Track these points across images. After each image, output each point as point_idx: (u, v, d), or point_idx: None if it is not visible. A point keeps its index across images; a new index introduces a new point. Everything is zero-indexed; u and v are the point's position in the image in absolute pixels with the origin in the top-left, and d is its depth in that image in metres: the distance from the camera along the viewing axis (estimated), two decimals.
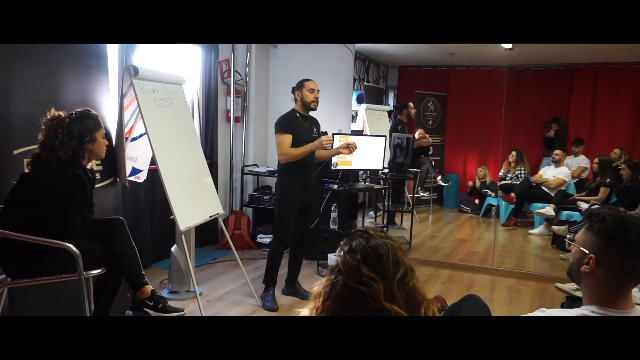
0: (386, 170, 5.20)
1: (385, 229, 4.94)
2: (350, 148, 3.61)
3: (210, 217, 3.48)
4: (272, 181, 5.48)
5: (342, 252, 1.24)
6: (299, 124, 3.47)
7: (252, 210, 5.39)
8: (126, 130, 3.25)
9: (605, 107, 7.14)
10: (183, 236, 3.15)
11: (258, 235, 5.20)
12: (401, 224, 5.96)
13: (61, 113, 2.45)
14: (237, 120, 5.37)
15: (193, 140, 3.67)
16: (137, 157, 3.44)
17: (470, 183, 7.39)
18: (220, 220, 3.71)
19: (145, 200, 4.25)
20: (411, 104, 5.98)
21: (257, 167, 5.49)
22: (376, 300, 1.15)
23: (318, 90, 3.50)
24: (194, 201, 3.38)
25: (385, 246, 1.22)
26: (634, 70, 6.89)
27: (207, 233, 4.92)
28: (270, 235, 5.15)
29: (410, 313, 1.22)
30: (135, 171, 3.45)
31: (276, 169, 5.17)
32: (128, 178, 3.33)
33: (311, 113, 3.59)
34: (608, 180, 5.53)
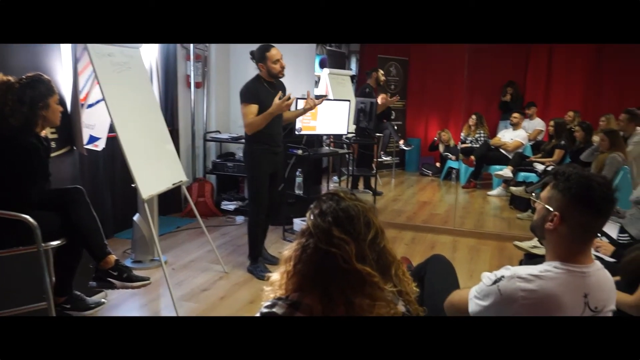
0: (350, 135, 5.20)
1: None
2: (311, 103, 3.49)
3: (173, 184, 3.41)
4: (235, 147, 5.40)
5: (312, 215, 1.24)
6: (264, 92, 3.33)
7: (215, 178, 5.32)
8: (82, 96, 3.11)
9: (560, 71, 7.34)
10: (146, 205, 3.08)
11: (222, 202, 5.15)
12: (375, 188, 6.00)
13: (10, 78, 2.32)
14: (197, 85, 5.23)
15: (153, 106, 3.55)
16: (94, 125, 3.30)
17: (437, 140, 7.48)
18: (184, 187, 3.64)
19: (105, 169, 4.12)
20: (381, 71, 6.03)
21: (220, 133, 5.39)
22: (348, 262, 1.16)
23: (282, 56, 3.39)
24: (155, 169, 3.29)
25: (356, 208, 1.22)
26: None
27: (170, 201, 4.83)
28: (235, 202, 5.12)
29: (381, 274, 1.23)
30: (92, 139, 3.32)
31: (239, 135, 5.12)
32: (85, 146, 3.21)
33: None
34: (563, 142, 5.71)
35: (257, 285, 3.32)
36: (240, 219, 4.86)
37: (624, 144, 4.68)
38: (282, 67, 3.33)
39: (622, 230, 3.05)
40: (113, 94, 3.01)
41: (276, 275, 1.32)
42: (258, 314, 1.22)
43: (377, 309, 1.19)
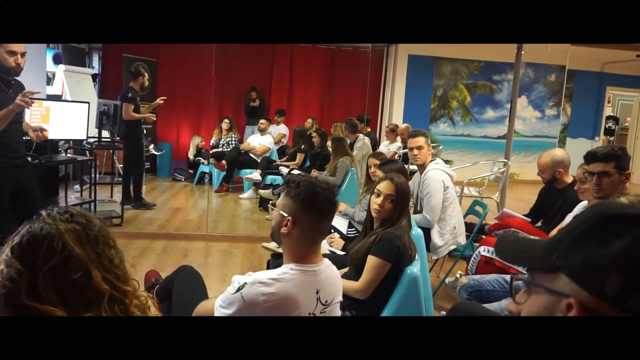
0: (92, 140, 4.77)
1: (92, 203, 4.55)
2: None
3: None
4: None
5: (11, 241, 1.06)
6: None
7: None
8: None
9: (300, 81, 8.12)
10: None
11: None
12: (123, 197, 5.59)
13: None
14: None
15: None
16: None
17: (190, 155, 7.44)
18: None
19: None
20: (147, 74, 5.49)
21: None
22: (19, 297, 1.00)
23: (23, 54, 2.84)
24: None
25: (44, 231, 1.04)
26: (322, 51, 8.01)
27: None
28: None
29: (82, 307, 1.05)
30: None
31: None
32: None
33: None
34: (303, 146, 6.30)
35: None
36: None
37: (349, 149, 5.40)
38: (17, 64, 2.82)
39: (350, 225, 3.50)
40: None
41: None
42: None
43: None
